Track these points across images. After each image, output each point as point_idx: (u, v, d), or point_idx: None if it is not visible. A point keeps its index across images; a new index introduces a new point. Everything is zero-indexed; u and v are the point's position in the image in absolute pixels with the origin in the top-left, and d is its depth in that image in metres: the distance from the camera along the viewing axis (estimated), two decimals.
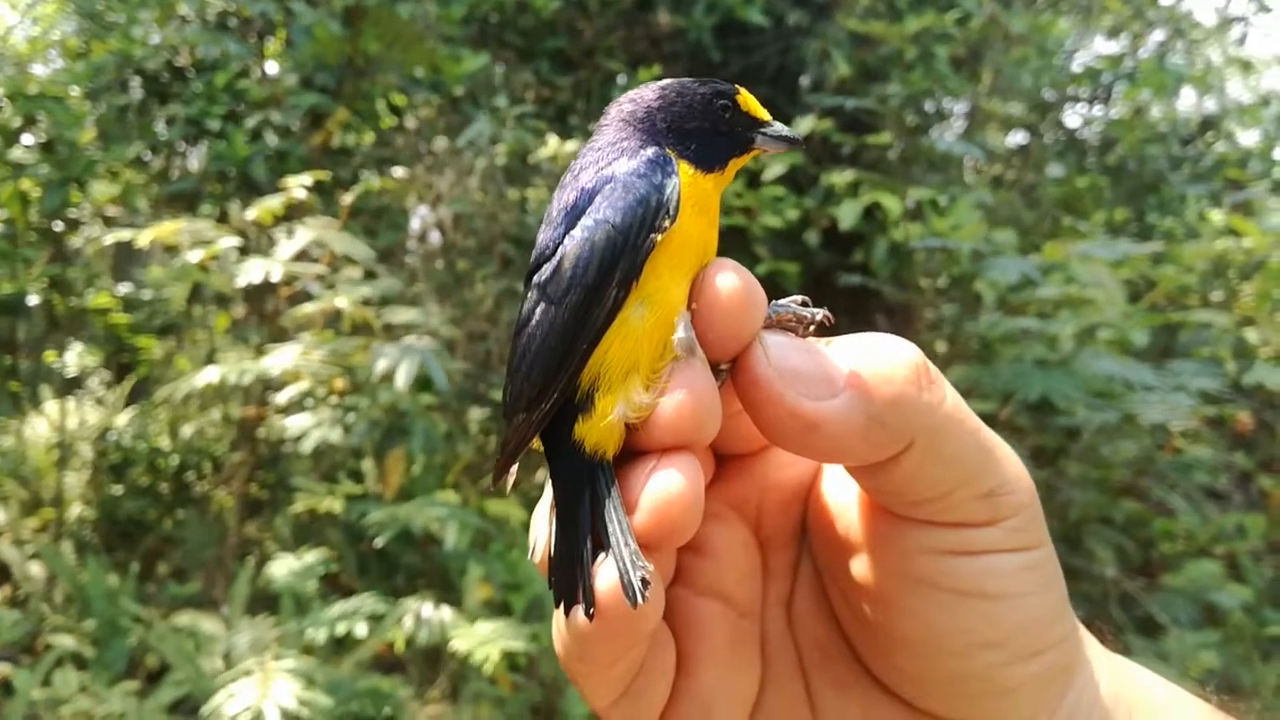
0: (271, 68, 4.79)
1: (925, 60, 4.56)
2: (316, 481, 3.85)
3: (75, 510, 4.80)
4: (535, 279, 0.59)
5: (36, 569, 4.15)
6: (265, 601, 3.64)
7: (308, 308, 2.87)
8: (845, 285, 4.41)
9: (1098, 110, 6.27)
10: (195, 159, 4.89)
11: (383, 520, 2.93)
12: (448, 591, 3.25)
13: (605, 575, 0.52)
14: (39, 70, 4.91)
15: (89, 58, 4.65)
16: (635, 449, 0.56)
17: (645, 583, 0.50)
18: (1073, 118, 6.37)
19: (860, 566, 0.60)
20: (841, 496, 0.63)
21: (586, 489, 0.56)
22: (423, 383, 3.02)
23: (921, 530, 0.56)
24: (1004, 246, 3.95)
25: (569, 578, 0.55)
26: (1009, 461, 0.56)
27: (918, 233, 4.36)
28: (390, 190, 3.22)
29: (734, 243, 4.66)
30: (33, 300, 4.73)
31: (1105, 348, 3.83)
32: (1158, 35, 6.70)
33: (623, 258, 0.56)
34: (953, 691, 0.57)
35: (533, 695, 3.04)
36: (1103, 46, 6.74)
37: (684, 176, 0.59)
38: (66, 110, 4.24)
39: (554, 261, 0.58)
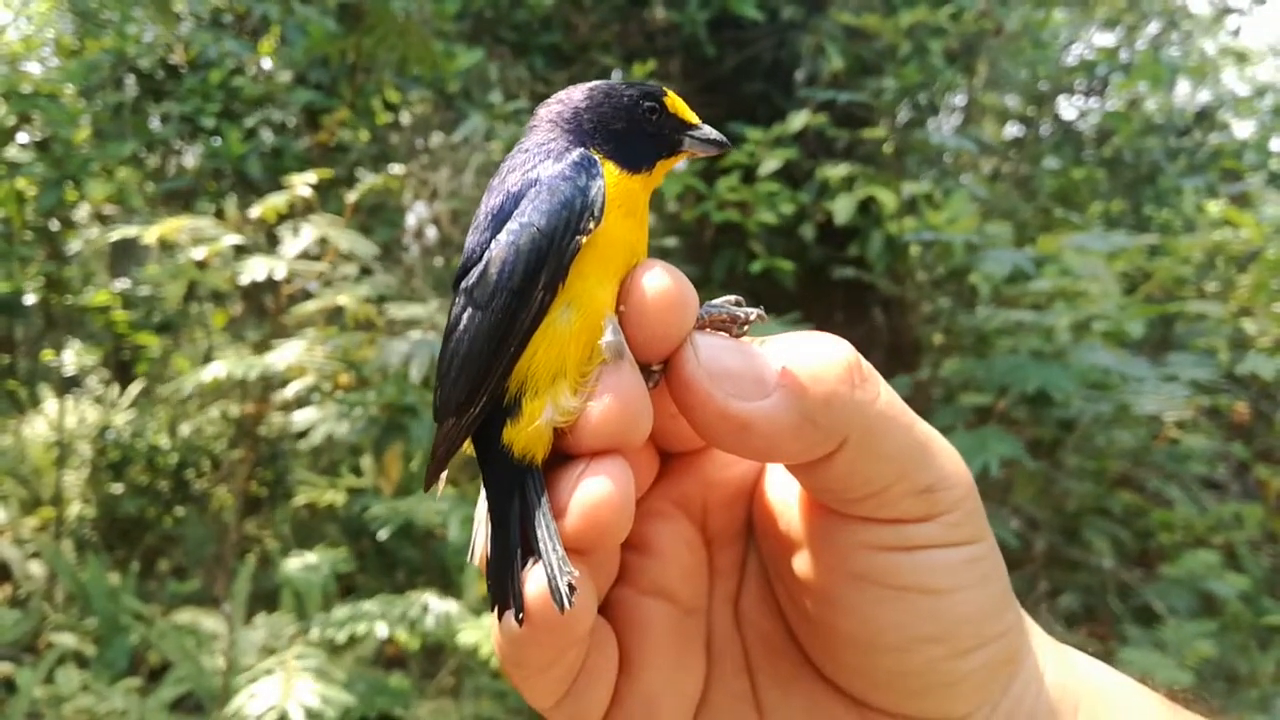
0: (267, 64, 4.79)
1: (919, 54, 4.56)
2: (315, 477, 3.87)
3: (75, 509, 4.81)
4: (463, 284, 0.59)
5: (37, 568, 4.16)
6: (265, 599, 3.65)
7: (310, 305, 2.87)
8: (840, 279, 4.42)
9: (1093, 102, 6.28)
10: (191, 156, 4.89)
11: (385, 514, 2.93)
12: (446, 586, 3.26)
13: (533, 581, 0.52)
14: (33, 68, 4.91)
15: (83, 55, 4.64)
16: (565, 453, 0.56)
17: (573, 588, 0.51)
18: (1068, 110, 6.38)
19: (802, 563, 0.60)
20: (784, 493, 0.63)
21: (516, 494, 0.56)
22: (422, 379, 3.02)
23: (860, 527, 0.56)
24: (998, 239, 3.95)
25: (501, 582, 0.55)
26: (946, 456, 0.56)
27: (912, 226, 4.36)
28: (387, 187, 3.22)
29: (729, 238, 4.67)
30: (30, 299, 4.73)
31: (1100, 340, 3.84)
32: (1153, 27, 6.71)
33: (548, 261, 0.56)
34: (896, 686, 0.58)
35: None
36: (1098, 38, 6.75)
37: (610, 178, 0.59)
38: (61, 109, 4.24)
39: (480, 266, 0.58)
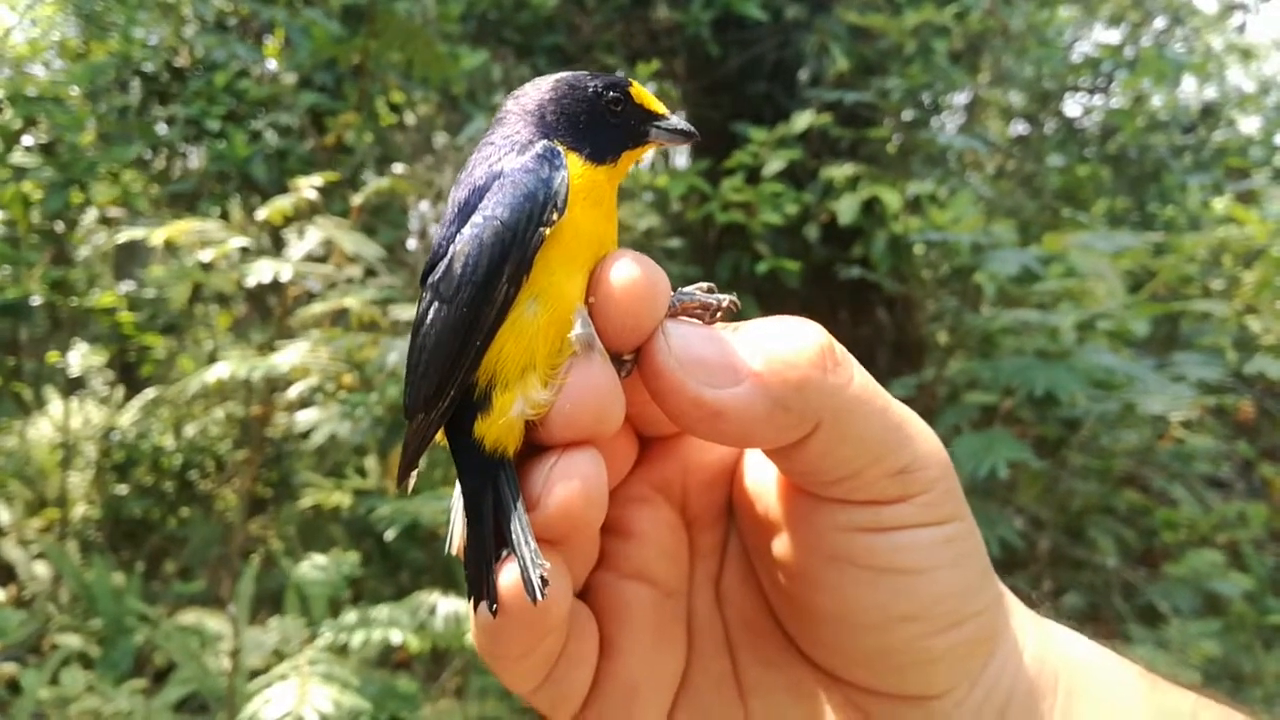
0: (271, 66, 4.79)
1: (924, 54, 4.55)
2: (321, 479, 3.87)
3: (80, 510, 4.82)
4: (430, 279, 0.59)
5: (42, 569, 4.17)
6: (270, 600, 3.66)
7: (315, 308, 2.88)
8: (845, 279, 4.42)
9: (1098, 99, 6.26)
10: (195, 158, 4.90)
11: (391, 515, 2.94)
12: (451, 586, 3.26)
13: (506, 574, 0.53)
14: (39, 72, 4.92)
15: (88, 59, 4.65)
16: (537, 444, 0.57)
17: (545, 580, 0.51)
18: (1073, 107, 6.37)
19: (781, 544, 0.61)
20: (763, 476, 0.63)
21: (489, 487, 0.56)
22: None
23: (836, 508, 0.57)
24: (1003, 239, 3.95)
25: (477, 574, 0.56)
26: (921, 438, 0.56)
27: (917, 226, 4.36)
28: (393, 189, 3.22)
29: (734, 239, 4.67)
30: (35, 301, 4.74)
31: (1106, 339, 3.83)
32: (1158, 23, 6.69)
33: (511, 253, 0.56)
34: (875, 664, 0.58)
35: None
36: (1103, 35, 6.74)
37: (574, 169, 0.60)
38: (67, 112, 4.24)
39: (446, 260, 0.58)
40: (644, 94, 0.64)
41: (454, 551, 0.60)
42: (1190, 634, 3.23)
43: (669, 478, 0.65)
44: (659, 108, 0.64)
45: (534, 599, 0.51)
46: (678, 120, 0.65)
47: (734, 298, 0.59)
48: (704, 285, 0.59)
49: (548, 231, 0.57)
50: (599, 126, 0.62)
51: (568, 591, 0.56)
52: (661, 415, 0.58)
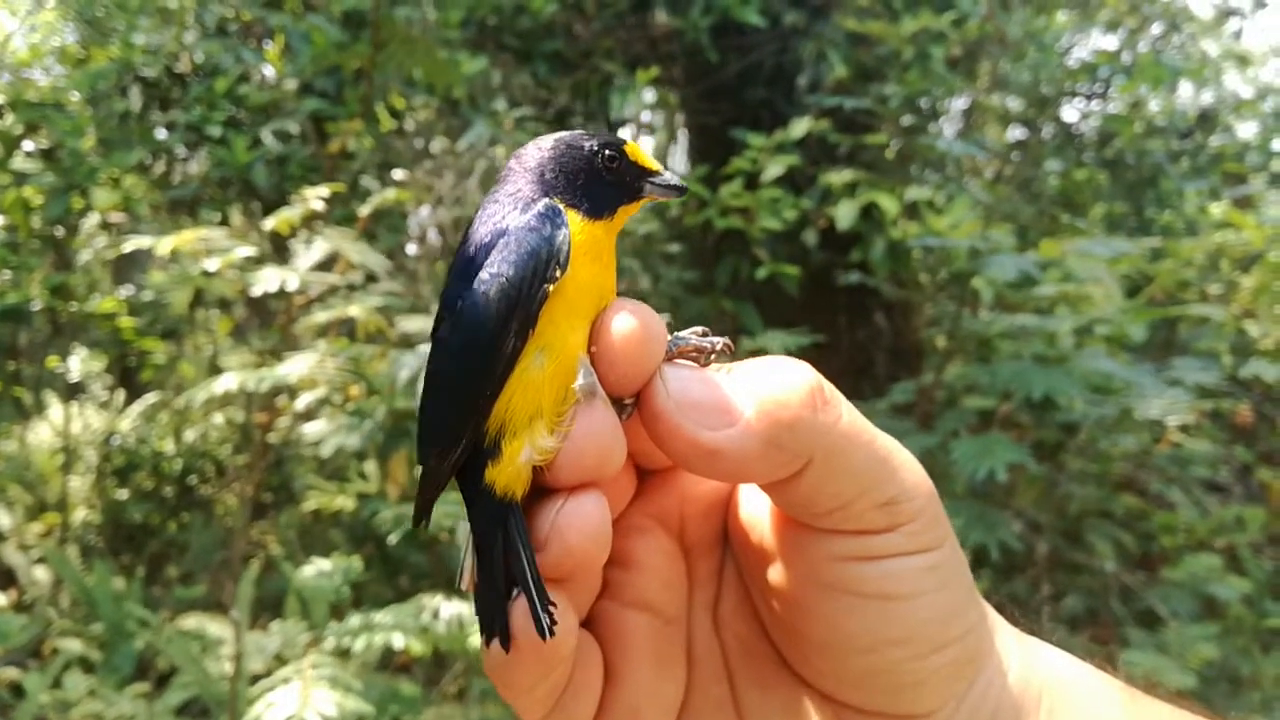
0: (269, 71, 4.81)
1: (921, 60, 4.57)
2: (324, 482, 3.87)
3: (80, 514, 4.83)
4: (439, 333, 0.62)
5: (42, 573, 4.17)
6: (270, 605, 3.66)
7: (319, 316, 2.89)
8: (844, 284, 4.43)
9: (1095, 105, 6.28)
10: (196, 164, 4.91)
11: (394, 519, 2.95)
12: (452, 589, 3.26)
13: (517, 613, 0.56)
14: (39, 77, 4.92)
15: (89, 64, 4.66)
16: (544, 486, 0.59)
17: (554, 619, 0.55)
18: (1070, 112, 6.38)
19: (775, 572, 0.64)
20: (756, 506, 0.66)
21: (499, 529, 0.59)
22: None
23: (827, 538, 0.60)
24: (1001, 244, 3.96)
25: (488, 612, 0.59)
26: (906, 469, 0.59)
27: (915, 231, 4.37)
28: (397, 198, 3.24)
29: (732, 245, 4.68)
30: (35, 306, 4.74)
31: (1103, 344, 3.85)
32: (1155, 29, 6.71)
33: (517, 309, 0.59)
34: (865, 685, 0.61)
35: None
36: (1100, 41, 6.75)
37: (574, 226, 0.62)
38: (67, 118, 4.25)
39: (454, 315, 0.61)
40: (639, 152, 0.67)
41: (464, 587, 0.62)
42: (1188, 638, 3.25)
43: (667, 508, 0.68)
44: (653, 165, 0.67)
45: (543, 636, 0.55)
46: (670, 176, 0.68)
47: (728, 340, 0.62)
48: (699, 329, 0.62)
49: (551, 288, 0.59)
50: (596, 184, 0.65)
51: (574, 627, 0.59)
52: (658, 451, 0.61)
